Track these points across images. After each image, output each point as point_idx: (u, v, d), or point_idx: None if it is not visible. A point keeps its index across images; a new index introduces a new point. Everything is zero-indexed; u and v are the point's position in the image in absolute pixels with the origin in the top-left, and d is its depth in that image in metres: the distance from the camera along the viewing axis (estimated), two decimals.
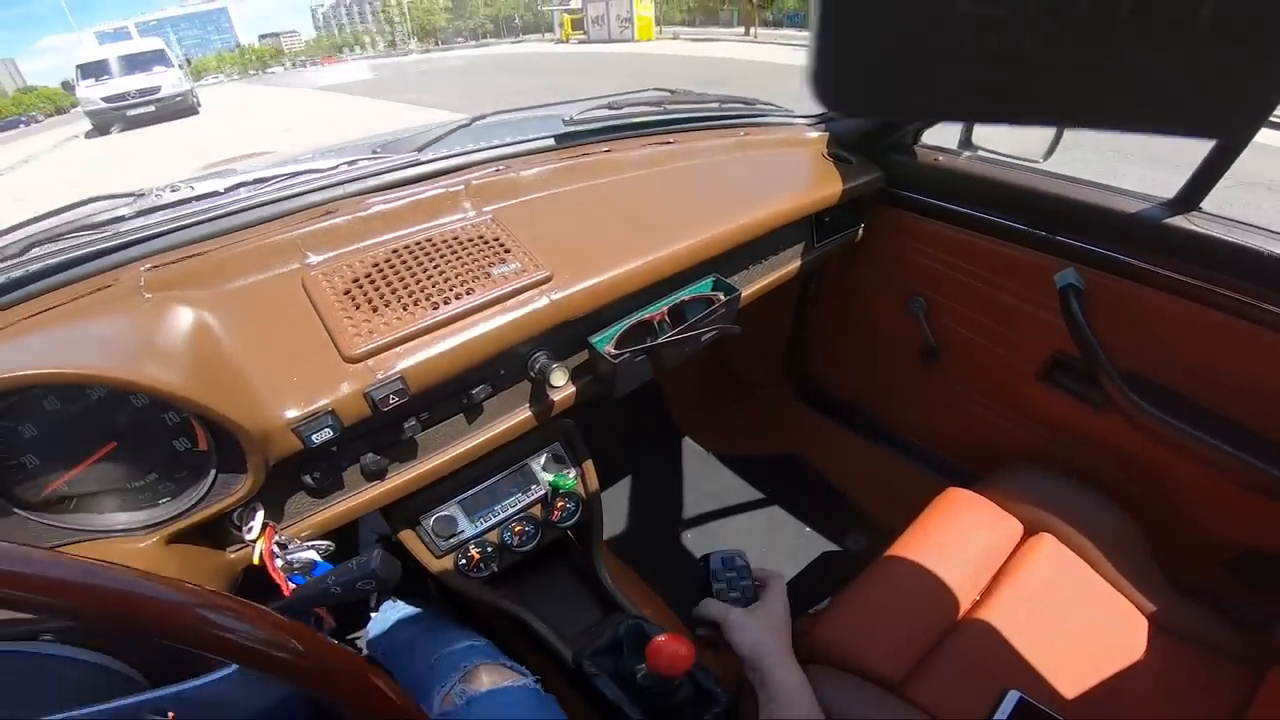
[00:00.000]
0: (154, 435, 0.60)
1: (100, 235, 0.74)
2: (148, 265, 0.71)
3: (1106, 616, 1.05)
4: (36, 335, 0.60)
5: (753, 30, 22.53)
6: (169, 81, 13.99)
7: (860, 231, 1.35)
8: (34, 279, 0.68)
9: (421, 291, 0.72)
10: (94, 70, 13.88)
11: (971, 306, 1.29)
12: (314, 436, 0.61)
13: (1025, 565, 1.08)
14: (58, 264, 0.70)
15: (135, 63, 14.17)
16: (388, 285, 0.72)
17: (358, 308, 0.69)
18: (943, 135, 1.31)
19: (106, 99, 13.25)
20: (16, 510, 0.57)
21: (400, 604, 1.04)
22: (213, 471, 0.61)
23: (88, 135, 13.52)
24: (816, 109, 1.06)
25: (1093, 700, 0.93)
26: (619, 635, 0.95)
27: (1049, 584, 1.06)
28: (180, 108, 14.14)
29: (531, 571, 1.11)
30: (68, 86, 16.37)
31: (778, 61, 13.63)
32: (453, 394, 0.76)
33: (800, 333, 1.71)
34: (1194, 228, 0.96)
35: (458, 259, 0.77)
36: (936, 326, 1.37)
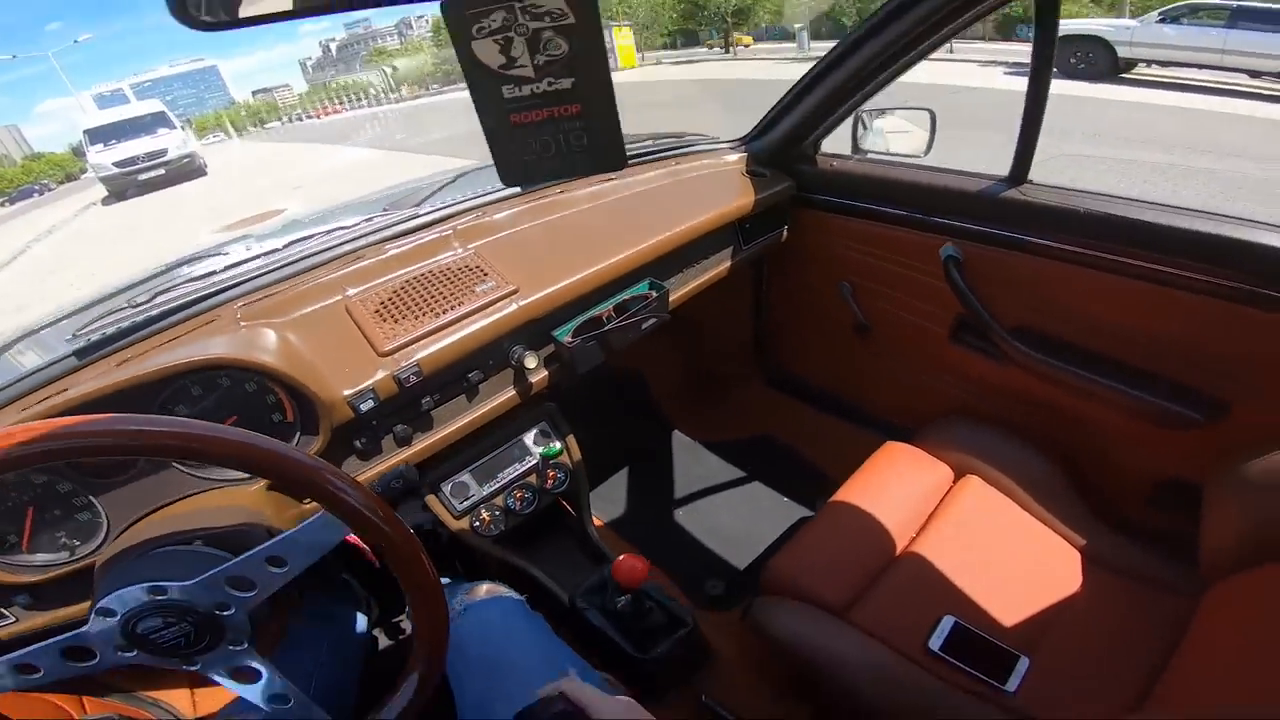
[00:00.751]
0: (259, 409, 0.90)
1: (202, 285, 1.05)
2: (240, 304, 1.02)
3: (1036, 549, 1.13)
4: (175, 349, 0.91)
5: (732, 48, 23.15)
6: (174, 143, 14.19)
7: (785, 233, 1.59)
8: (163, 317, 0.99)
9: (427, 307, 1.03)
10: (102, 135, 14.00)
11: (887, 285, 1.48)
12: (361, 406, 0.91)
13: (955, 505, 1.19)
14: (177, 306, 1.01)
15: (140, 126, 14.31)
16: (404, 305, 1.04)
17: (384, 320, 1.00)
18: (839, 144, 1.54)
19: (118, 164, 13.44)
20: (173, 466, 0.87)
21: None
22: (297, 434, 0.91)
23: (105, 202, 13.75)
24: (740, 135, 1.37)
25: (1027, 626, 1.00)
26: (604, 576, 1.20)
27: (978, 521, 1.16)
28: (188, 169, 14.35)
29: (534, 534, 1.36)
30: (79, 152, 16.46)
31: (756, 77, 13.95)
32: (455, 378, 1.05)
33: (761, 328, 1.94)
34: (1025, 197, 1.17)
35: (451, 283, 1.08)
36: (864, 306, 1.56)
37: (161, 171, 13.73)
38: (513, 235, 1.23)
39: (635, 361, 1.98)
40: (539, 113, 0.46)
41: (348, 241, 1.14)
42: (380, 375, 0.93)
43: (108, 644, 0.60)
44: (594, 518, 1.65)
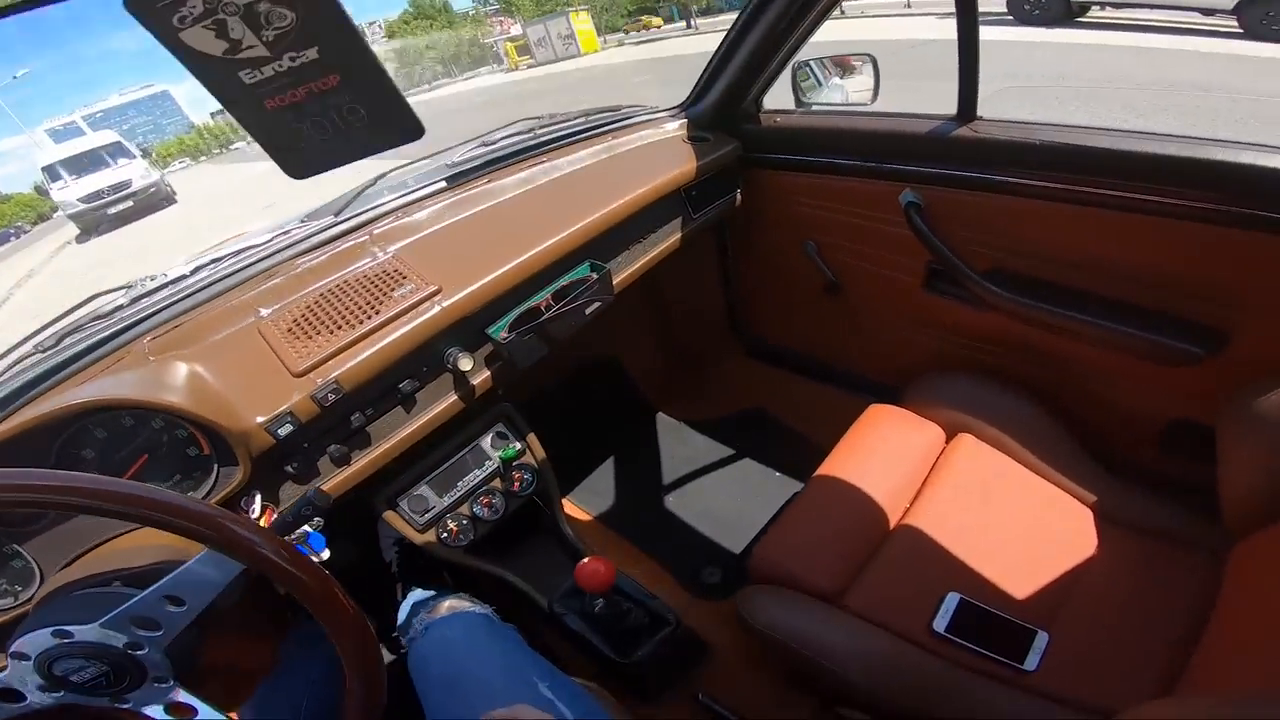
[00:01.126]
0: (172, 446, 0.86)
1: (110, 322, 1.01)
2: (149, 338, 0.97)
3: (1043, 510, 1.05)
4: (69, 392, 0.87)
5: (693, 22, 22.78)
6: (137, 173, 13.92)
7: (738, 197, 1.52)
8: (71, 361, 0.94)
9: (343, 319, 0.98)
10: (61, 171, 13.68)
11: (852, 239, 1.42)
12: (280, 431, 0.87)
13: (950, 467, 1.11)
14: (85, 349, 0.96)
15: (98, 158, 13.98)
16: (319, 320, 0.99)
17: (297, 339, 0.95)
18: (784, 99, 1.48)
19: (83, 199, 13.15)
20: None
21: (418, 590, 1.21)
22: (215, 466, 0.87)
23: (79, 240, 13.45)
24: (680, 100, 1.31)
25: (1042, 597, 0.93)
26: None
27: (976, 483, 1.08)
28: (156, 199, 14.07)
29: (512, 538, 1.32)
30: (41, 191, 16.06)
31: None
32: (385, 391, 1.00)
33: (732, 298, 1.89)
34: (977, 134, 1.12)
35: (368, 291, 1.03)
36: (831, 263, 1.49)
37: (130, 203, 13.44)
38: (435, 233, 1.17)
39: (610, 348, 1.93)
40: (294, 92, 0.41)
41: (260, 260, 1.09)
42: (297, 397, 0.89)
43: (30, 686, 0.61)
44: (582, 511, 1.64)
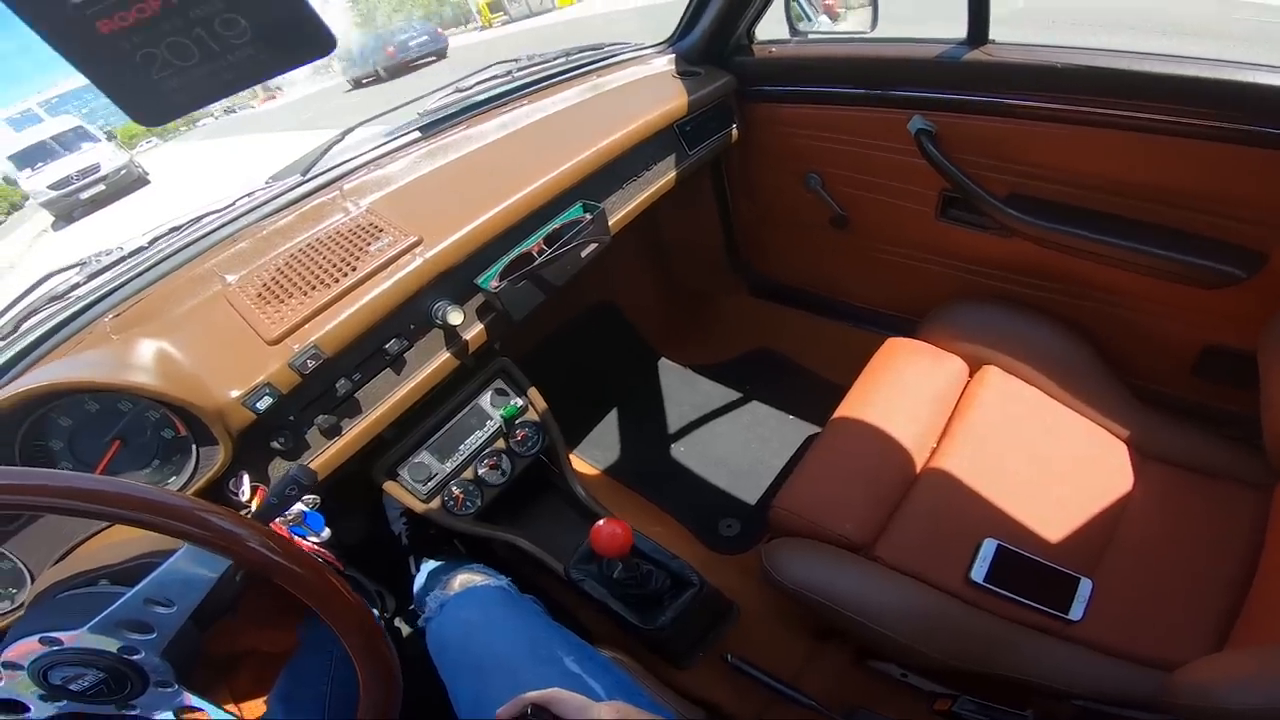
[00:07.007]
0: (145, 430, 0.80)
1: (67, 302, 0.93)
2: (110, 316, 0.90)
3: (1077, 445, 1.00)
4: (32, 374, 0.81)
5: None
6: (105, 156, 13.57)
7: (735, 132, 1.45)
8: (32, 348, 0.88)
9: (316, 279, 0.90)
10: (27, 159, 13.34)
11: (858, 170, 1.36)
12: (258, 405, 0.80)
13: (976, 402, 1.06)
14: (44, 333, 0.89)
15: (62, 143, 13.57)
16: (290, 282, 0.91)
17: (269, 304, 0.88)
18: (778, 29, 1.40)
19: (53, 186, 12.87)
20: None
21: (430, 561, 1.20)
22: (193, 448, 0.81)
23: (54, 227, 13.19)
24: (665, 36, 1.21)
25: (1083, 541, 0.89)
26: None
27: (1005, 418, 1.03)
28: (128, 181, 13.75)
29: (522, 502, 1.28)
30: (9, 180, 15.88)
31: None
32: (370, 353, 0.94)
33: (732, 236, 1.80)
34: (991, 58, 1.06)
35: (341, 248, 0.95)
36: (837, 196, 1.43)
37: (102, 187, 13.13)
38: (411, 184, 1.09)
39: (608, 294, 1.88)
40: (140, 7, 0.28)
41: (223, 225, 1.01)
42: (274, 367, 0.82)
43: (32, 695, 0.59)
44: (589, 466, 1.61)
